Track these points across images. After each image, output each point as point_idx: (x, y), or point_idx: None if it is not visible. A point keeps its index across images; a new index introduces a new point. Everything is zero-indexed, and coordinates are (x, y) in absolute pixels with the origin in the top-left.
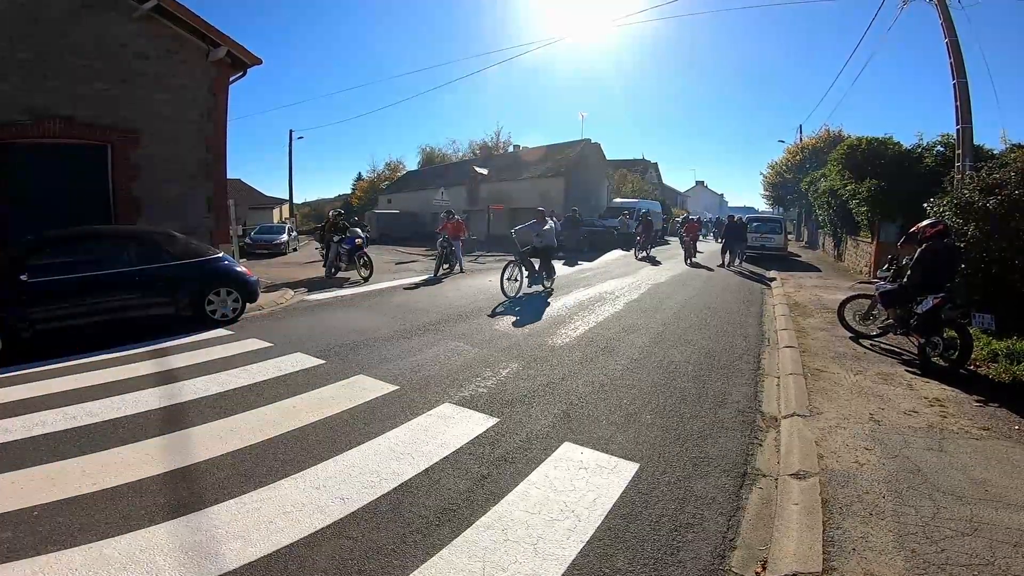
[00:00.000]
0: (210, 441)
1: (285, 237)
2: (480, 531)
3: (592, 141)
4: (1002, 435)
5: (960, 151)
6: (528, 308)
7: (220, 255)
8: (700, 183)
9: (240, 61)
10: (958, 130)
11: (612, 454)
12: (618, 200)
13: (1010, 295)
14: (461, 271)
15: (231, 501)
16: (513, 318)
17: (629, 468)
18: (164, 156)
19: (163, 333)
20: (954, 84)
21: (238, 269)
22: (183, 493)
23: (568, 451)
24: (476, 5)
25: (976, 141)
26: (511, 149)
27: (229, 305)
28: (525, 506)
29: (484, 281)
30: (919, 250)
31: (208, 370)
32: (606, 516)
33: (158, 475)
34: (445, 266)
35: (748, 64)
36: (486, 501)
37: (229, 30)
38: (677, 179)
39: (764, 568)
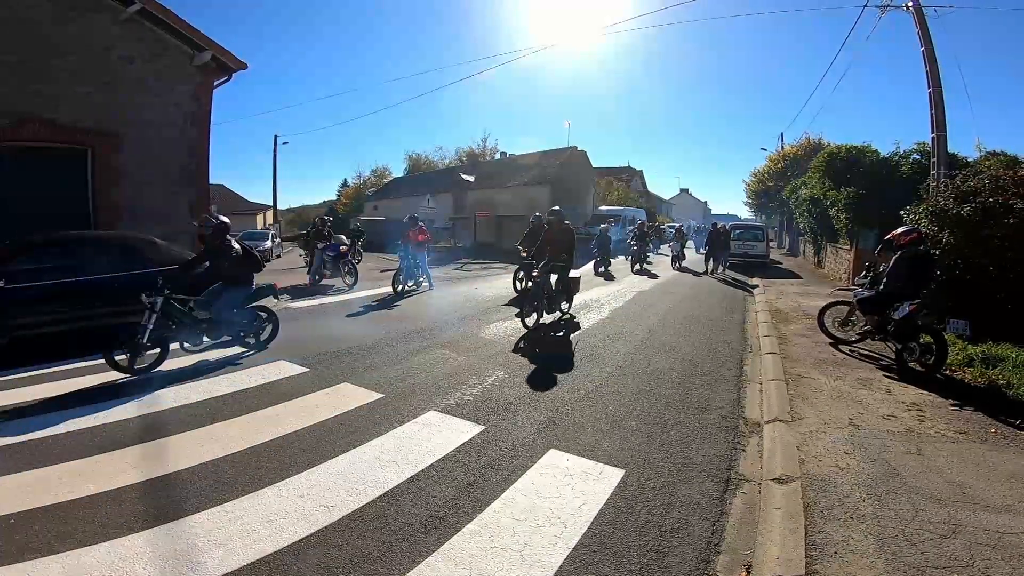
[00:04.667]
0: (191, 449)
1: (269, 244)
2: (466, 538)
3: (578, 149)
4: (978, 438)
5: (935, 159)
6: (514, 316)
7: None
8: (684, 191)
9: (225, 65)
10: (933, 138)
11: (598, 460)
12: (604, 208)
13: (984, 301)
14: (430, 287)
15: (213, 509)
16: (499, 326)
17: (615, 474)
18: (146, 160)
19: None
20: (930, 92)
21: None
22: (163, 501)
23: (554, 458)
24: (463, 13)
25: (951, 149)
26: (498, 156)
27: None
28: (511, 513)
29: (470, 289)
30: (894, 257)
31: (189, 377)
32: (592, 522)
33: (137, 483)
34: (411, 282)
35: (732, 73)
36: (472, 508)
37: (214, 34)
38: (662, 187)
39: (748, 572)
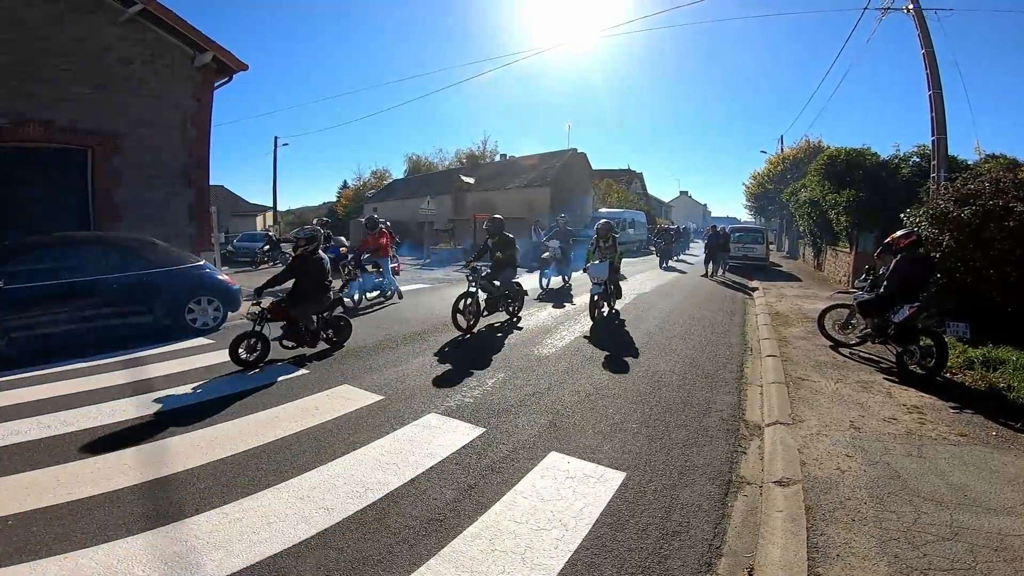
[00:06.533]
0: (190, 451)
1: (268, 245)
2: (467, 541)
3: (578, 151)
4: (979, 441)
5: (935, 162)
6: (513, 318)
7: (201, 263)
8: (684, 193)
9: (226, 66)
10: (933, 141)
11: (599, 463)
12: (603, 210)
13: (984, 304)
14: (400, 298)
15: (212, 511)
16: (499, 328)
17: (616, 477)
18: (146, 162)
19: (142, 342)
20: (930, 95)
21: (219, 277)
22: (162, 503)
23: (555, 460)
24: (464, 16)
25: (951, 152)
26: (498, 158)
27: (210, 314)
28: (512, 516)
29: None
30: (894, 260)
31: (188, 379)
32: (593, 525)
33: (136, 485)
34: (373, 293)
35: (732, 75)
36: (473, 511)
37: (215, 35)
38: (662, 189)
39: (750, 575)
